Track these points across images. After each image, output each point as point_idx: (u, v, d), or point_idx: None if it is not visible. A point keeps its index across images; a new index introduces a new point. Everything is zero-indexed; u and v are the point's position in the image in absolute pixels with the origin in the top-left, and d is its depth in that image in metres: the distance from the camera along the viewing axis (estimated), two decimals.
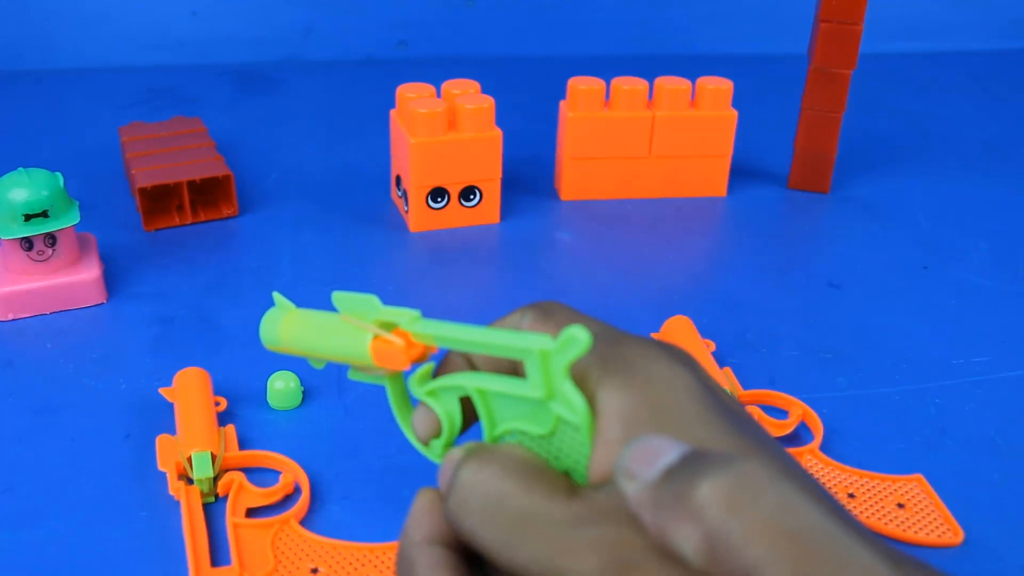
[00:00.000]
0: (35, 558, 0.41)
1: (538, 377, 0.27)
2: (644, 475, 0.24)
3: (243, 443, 0.47)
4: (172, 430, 0.47)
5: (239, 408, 0.50)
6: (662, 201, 0.74)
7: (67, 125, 0.87)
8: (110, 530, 0.42)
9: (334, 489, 0.45)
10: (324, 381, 0.52)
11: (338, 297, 0.32)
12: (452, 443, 0.31)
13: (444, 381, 0.30)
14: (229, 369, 0.53)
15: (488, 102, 0.66)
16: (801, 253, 0.69)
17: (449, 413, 0.30)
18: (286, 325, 0.34)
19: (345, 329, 0.31)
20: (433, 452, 0.31)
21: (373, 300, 0.31)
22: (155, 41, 1.03)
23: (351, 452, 0.47)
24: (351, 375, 0.33)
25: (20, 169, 0.56)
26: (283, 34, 1.05)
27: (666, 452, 0.24)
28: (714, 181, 0.75)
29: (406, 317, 0.30)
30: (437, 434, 0.31)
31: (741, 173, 0.78)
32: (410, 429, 0.32)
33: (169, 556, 0.41)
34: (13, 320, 0.57)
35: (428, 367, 0.31)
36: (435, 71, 0.81)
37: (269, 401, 0.50)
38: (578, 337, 0.26)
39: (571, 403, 0.27)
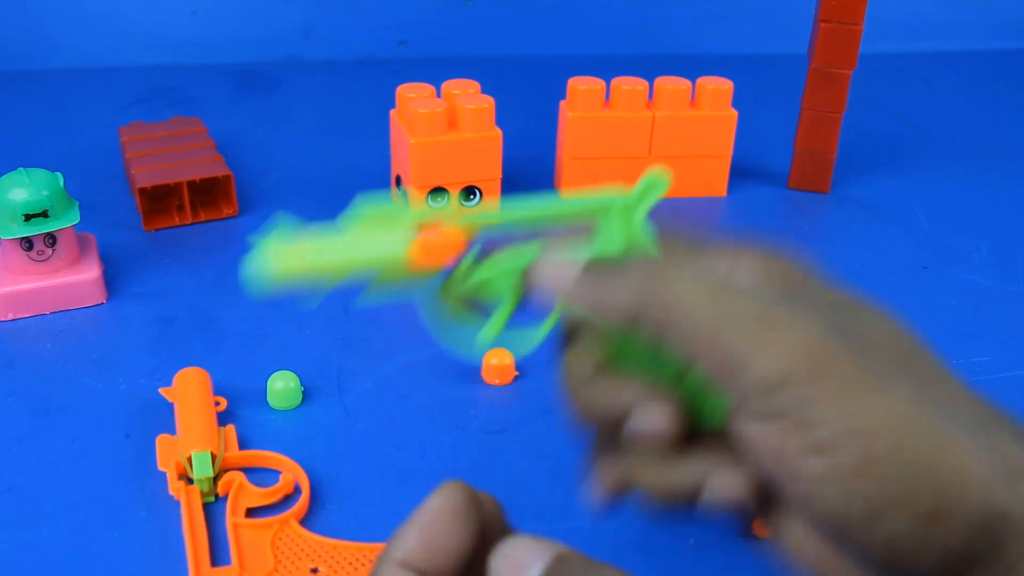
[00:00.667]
0: (35, 558, 0.41)
1: (616, 231, 0.27)
2: None
3: (243, 443, 0.47)
4: (172, 430, 0.47)
5: (239, 408, 0.50)
6: (662, 201, 0.74)
7: (67, 125, 0.87)
8: (110, 530, 0.42)
9: (334, 489, 0.45)
10: (324, 381, 0.52)
11: (359, 207, 0.31)
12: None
13: (498, 263, 0.29)
14: (229, 369, 0.53)
15: (488, 102, 0.66)
16: (801, 253, 0.69)
17: (511, 290, 0.29)
18: (296, 243, 0.32)
19: (371, 233, 0.30)
20: (490, 332, 0.30)
21: (402, 206, 0.29)
22: (155, 41, 1.03)
23: (351, 452, 0.47)
24: (367, 295, 0.31)
25: (20, 169, 0.56)
26: (283, 34, 1.05)
27: (530, 565, 0.25)
28: (714, 181, 0.75)
29: (448, 212, 0.29)
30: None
31: (741, 173, 0.78)
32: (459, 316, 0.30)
33: (169, 556, 0.41)
34: (13, 320, 0.57)
35: (467, 262, 0.30)
36: (435, 71, 0.81)
37: (269, 401, 0.50)
38: (659, 180, 0.27)
39: (651, 250, 0.28)
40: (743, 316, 0.26)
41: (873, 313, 0.30)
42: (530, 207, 0.28)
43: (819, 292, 0.29)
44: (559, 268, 0.29)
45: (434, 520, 0.26)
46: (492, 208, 0.28)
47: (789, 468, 0.25)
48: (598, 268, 0.28)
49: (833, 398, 0.25)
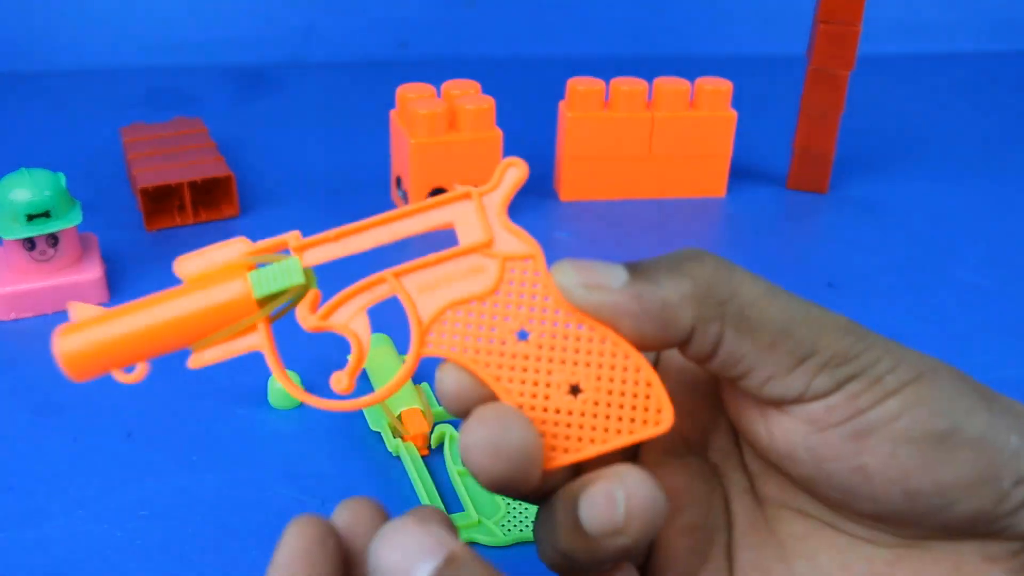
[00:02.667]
0: (36, 558, 0.41)
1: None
2: None
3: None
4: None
5: (239, 408, 0.50)
6: (661, 202, 0.75)
7: (69, 126, 0.87)
8: (110, 530, 0.43)
9: (334, 489, 0.45)
10: (324, 381, 0.52)
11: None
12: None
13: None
14: (229, 368, 0.52)
15: (488, 102, 0.66)
16: (799, 253, 0.69)
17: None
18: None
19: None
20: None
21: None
22: (156, 42, 1.03)
23: (351, 451, 0.48)
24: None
25: (22, 169, 0.57)
26: (284, 35, 1.06)
27: (420, 563, 0.23)
28: (713, 181, 0.75)
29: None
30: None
31: (740, 173, 0.78)
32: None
33: (169, 556, 0.41)
34: (15, 320, 0.57)
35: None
36: (435, 72, 0.82)
37: (269, 400, 0.50)
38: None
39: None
40: (802, 305, 0.27)
41: None
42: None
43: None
44: (595, 278, 0.26)
45: (290, 571, 0.25)
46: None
47: (863, 426, 0.26)
48: (644, 270, 0.26)
49: (890, 354, 0.27)
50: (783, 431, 0.27)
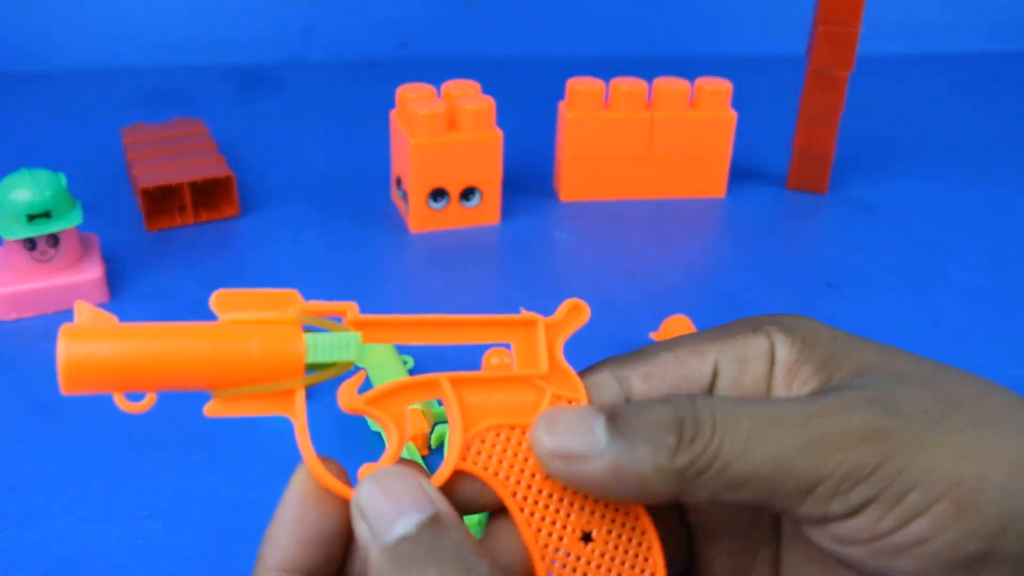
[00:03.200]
0: (36, 557, 0.41)
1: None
2: (381, 535, 0.22)
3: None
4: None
5: None
6: (661, 202, 0.75)
7: (69, 126, 0.87)
8: (110, 530, 0.43)
9: None
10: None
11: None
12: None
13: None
14: None
15: (488, 103, 0.66)
16: (799, 254, 0.69)
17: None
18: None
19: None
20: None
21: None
22: (156, 43, 1.03)
23: (352, 451, 0.48)
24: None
25: (23, 169, 0.57)
26: (284, 35, 1.06)
27: (404, 515, 0.22)
28: (713, 182, 0.75)
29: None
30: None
31: (740, 174, 0.78)
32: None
33: (169, 556, 0.41)
34: (16, 320, 0.58)
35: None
36: (435, 72, 0.82)
37: None
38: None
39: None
40: (797, 429, 0.24)
41: (906, 362, 0.27)
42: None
43: (850, 356, 0.27)
44: (570, 447, 0.25)
45: (296, 513, 0.25)
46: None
47: (889, 547, 0.24)
48: (622, 428, 0.24)
49: (914, 461, 0.24)
50: (809, 533, 0.26)
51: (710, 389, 0.28)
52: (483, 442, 0.26)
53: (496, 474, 0.26)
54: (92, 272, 0.59)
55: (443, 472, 0.26)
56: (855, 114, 0.83)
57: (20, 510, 0.44)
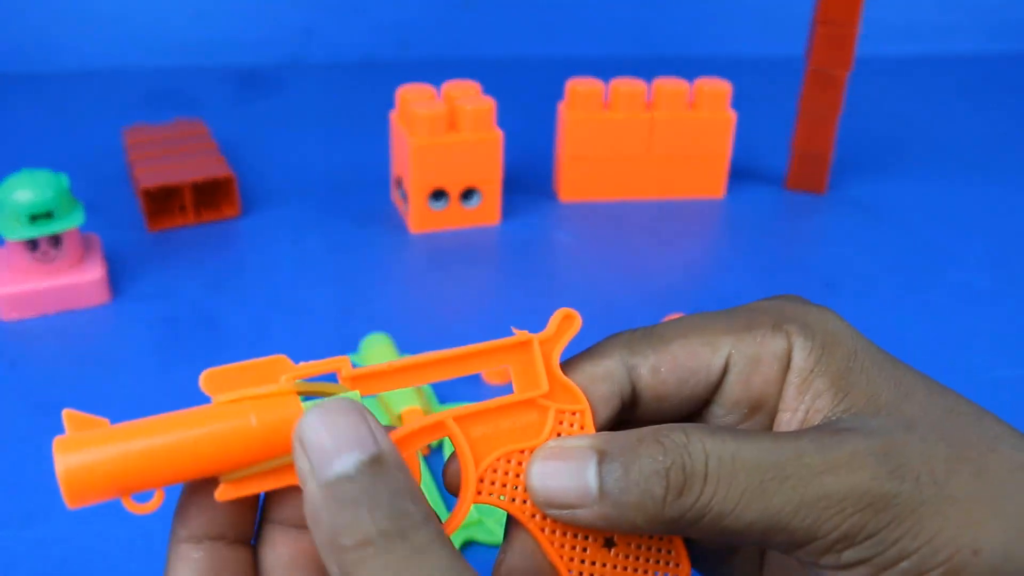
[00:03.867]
0: (36, 557, 0.41)
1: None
2: (319, 471, 0.22)
3: None
4: None
5: None
6: (660, 202, 0.75)
7: (71, 127, 0.88)
8: (111, 530, 0.43)
9: None
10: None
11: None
12: None
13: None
14: None
15: (488, 103, 0.67)
16: (798, 254, 0.69)
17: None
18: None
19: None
20: None
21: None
22: (157, 43, 1.03)
23: None
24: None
25: (25, 170, 0.57)
26: (284, 36, 1.06)
27: (344, 453, 0.22)
28: (712, 182, 0.75)
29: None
30: None
31: (739, 174, 0.78)
32: None
33: None
34: (17, 320, 0.58)
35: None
36: (436, 72, 0.82)
37: None
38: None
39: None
40: (798, 485, 0.23)
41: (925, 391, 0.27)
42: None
43: (866, 380, 0.26)
44: (562, 497, 0.25)
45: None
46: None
47: None
48: (612, 463, 0.24)
49: (912, 531, 0.23)
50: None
51: (719, 384, 0.27)
52: (495, 471, 0.26)
53: (512, 500, 0.26)
54: (93, 272, 0.59)
55: (460, 511, 0.26)
56: (854, 114, 0.83)
57: (20, 510, 0.44)
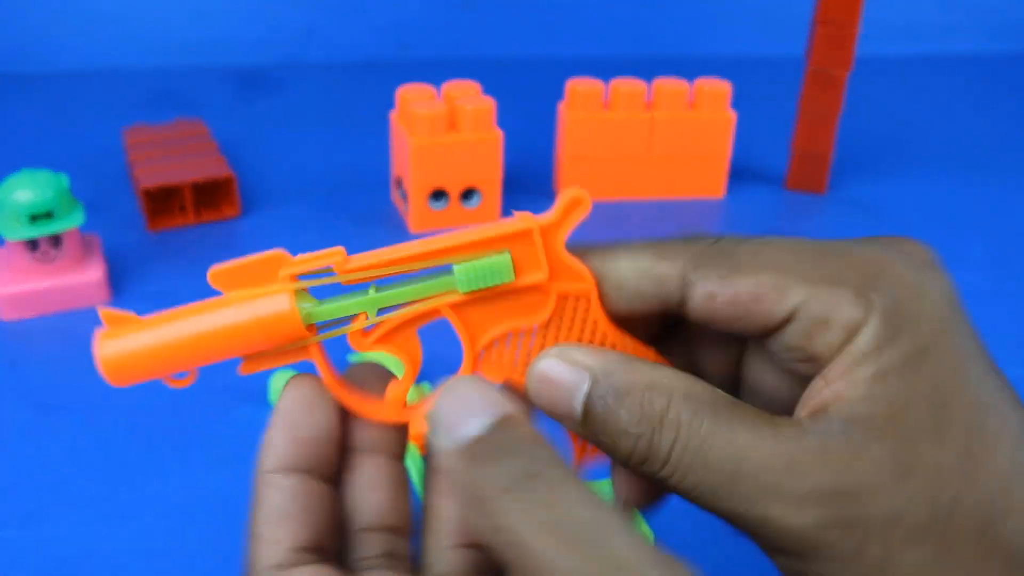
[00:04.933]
0: (36, 557, 0.41)
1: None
2: (454, 437, 0.23)
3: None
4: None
5: (240, 407, 0.50)
6: (661, 202, 0.75)
7: (71, 127, 0.88)
8: (110, 530, 0.43)
9: None
10: None
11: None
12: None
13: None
14: (230, 367, 0.53)
15: (488, 103, 0.67)
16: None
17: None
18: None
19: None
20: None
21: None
22: (158, 44, 1.03)
23: None
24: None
25: (25, 170, 0.57)
26: (284, 36, 1.06)
27: (474, 417, 0.23)
28: (712, 182, 0.75)
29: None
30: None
31: (739, 174, 0.78)
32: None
33: (170, 556, 0.42)
34: (17, 320, 0.58)
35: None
36: (436, 72, 0.82)
37: (270, 400, 0.50)
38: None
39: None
40: (747, 490, 0.24)
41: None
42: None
43: (916, 378, 0.26)
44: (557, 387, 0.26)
45: (291, 417, 0.26)
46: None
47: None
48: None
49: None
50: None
51: (776, 329, 0.25)
52: (495, 348, 0.26)
53: (512, 374, 0.27)
54: (94, 272, 0.59)
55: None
56: (854, 114, 0.83)
57: (20, 510, 0.44)
